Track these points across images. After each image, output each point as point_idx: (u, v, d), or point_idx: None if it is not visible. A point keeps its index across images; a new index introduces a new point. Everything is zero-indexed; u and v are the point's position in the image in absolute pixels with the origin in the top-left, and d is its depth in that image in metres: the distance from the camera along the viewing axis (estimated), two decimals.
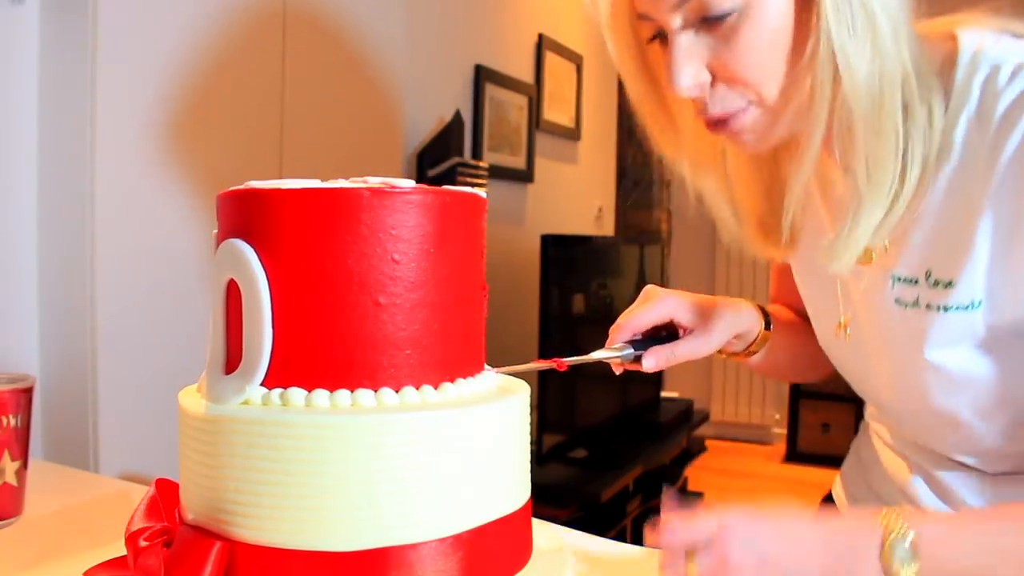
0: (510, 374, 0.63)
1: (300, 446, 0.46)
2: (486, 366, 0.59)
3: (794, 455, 4.38)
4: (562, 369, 0.70)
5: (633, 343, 0.81)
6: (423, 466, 0.48)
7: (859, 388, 0.83)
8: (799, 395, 4.40)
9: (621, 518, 2.62)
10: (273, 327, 0.49)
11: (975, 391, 0.67)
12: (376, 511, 0.47)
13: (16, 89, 1.22)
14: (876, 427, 0.88)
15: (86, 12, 1.19)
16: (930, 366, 0.67)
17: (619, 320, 0.82)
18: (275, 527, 0.47)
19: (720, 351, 0.85)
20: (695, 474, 3.67)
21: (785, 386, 4.62)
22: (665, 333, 0.83)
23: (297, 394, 0.49)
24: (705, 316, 0.81)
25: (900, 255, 0.68)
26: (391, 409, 0.48)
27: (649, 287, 0.85)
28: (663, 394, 3.50)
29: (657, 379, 3.39)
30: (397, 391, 0.50)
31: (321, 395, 0.49)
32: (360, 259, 0.48)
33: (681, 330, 0.82)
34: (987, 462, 0.73)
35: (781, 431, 4.70)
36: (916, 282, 0.67)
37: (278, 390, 0.49)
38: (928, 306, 0.66)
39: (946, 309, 0.65)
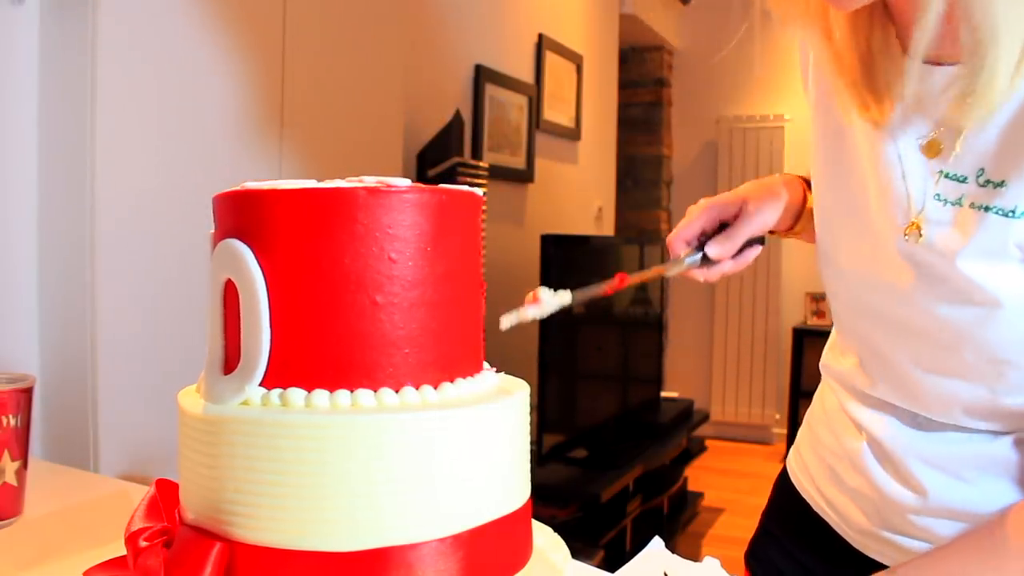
0: (582, 299, 0.66)
1: (300, 446, 0.46)
2: (546, 291, 0.62)
3: None
4: (623, 286, 0.72)
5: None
6: (423, 466, 0.48)
7: (863, 300, 0.75)
8: (799, 395, 4.40)
9: (621, 518, 2.62)
10: (271, 327, 0.49)
11: (990, 315, 0.62)
12: (376, 511, 0.47)
13: (16, 89, 1.22)
14: (835, 388, 0.85)
15: (86, 12, 1.20)
16: (958, 272, 0.63)
17: (668, 238, 0.81)
18: (275, 527, 0.47)
19: (772, 231, 0.84)
20: (695, 474, 3.67)
21: (785, 386, 4.62)
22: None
23: (297, 394, 0.49)
24: (752, 197, 0.80)
25: (954, 150, 0.64)
26: (391, 409, 0.48)
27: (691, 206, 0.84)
28: (663, 394, 3.51)
29: (657, 379, 3.39)
30: (397, 391, 0.50)
31: (321, 395, 0.48)
32: (357, 258, 0.48)
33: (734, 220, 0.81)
34: (950, 412, 0.70)
35: (781, 431, 4.70)
36: (964, 180, 0.63)
37: (277, 390, 0.49)
38: (972, 205, 0.62)
39: (986, 210, 0.61)
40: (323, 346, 0.49)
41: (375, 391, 0.49)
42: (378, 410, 0.48)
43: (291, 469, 0.46)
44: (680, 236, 0.80)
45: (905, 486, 0.74)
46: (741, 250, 0.81)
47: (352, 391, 0.49)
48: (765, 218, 0.80)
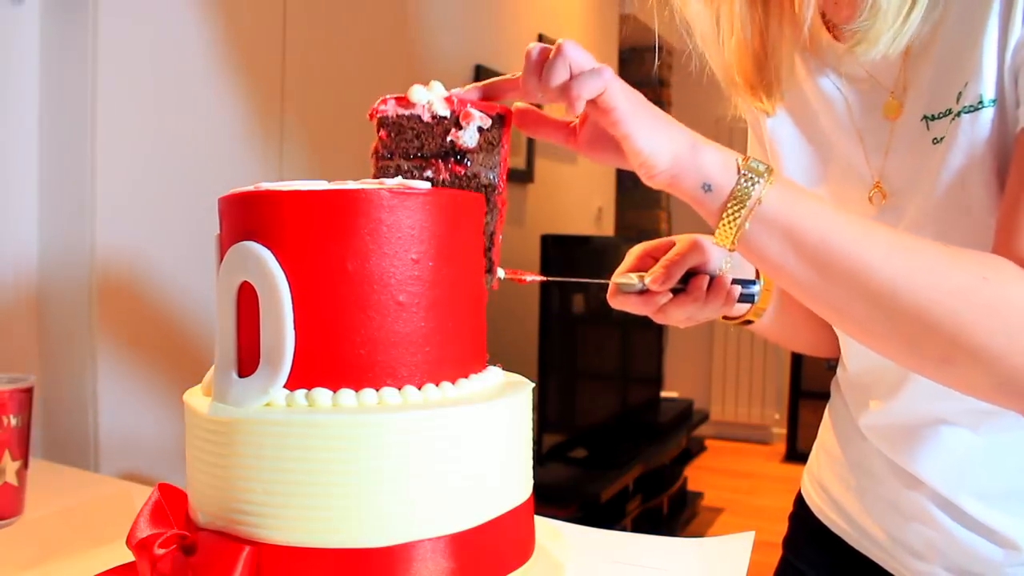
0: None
1: (332, 446, 0.47)
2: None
3: (794, 455, 4.38)
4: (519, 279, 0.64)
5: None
6: (452, 460, 0.49)
7: None
8: (799, 395, 4.40)
9: (621, 518, 2.62)
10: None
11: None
12: (407, 506, 0.48)
13: (16, 89, 1.22)
14: (845, 398, 0.81)
15: (86, 12, 1.19)
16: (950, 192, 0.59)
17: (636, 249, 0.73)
18: (305, 527, 0.47)
19: (725, 317, 0.74)
20: (695, 474, 3.67)
21: (785, 386, 4.62)
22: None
23: (323, 395, 0.49)
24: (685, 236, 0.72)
25: (926, 90, 0.61)
26: (419, 406, 0.49)
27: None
28: (663, 394, 3.51)
29: (657, 379, 3.39)
30: (419, 388, 0.51)
31: (348, 395, 0.49)
32: (382, 259, 0.49)
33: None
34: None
35: (781, 431, 4.70)
36: (949, 112, 0.59)
37: (302, 391, 0.49)
38: (952, 120, 0.59)
39: (957, 115, 0.58)
40: (349, 346, 0.49)
41: (399, 389, 0.50)
42: (406, 407, 0.49)
43: (323, 468, 0.47)
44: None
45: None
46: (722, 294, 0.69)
47: (378, 390, 0.50)
48: (699, 243, 0.70)
